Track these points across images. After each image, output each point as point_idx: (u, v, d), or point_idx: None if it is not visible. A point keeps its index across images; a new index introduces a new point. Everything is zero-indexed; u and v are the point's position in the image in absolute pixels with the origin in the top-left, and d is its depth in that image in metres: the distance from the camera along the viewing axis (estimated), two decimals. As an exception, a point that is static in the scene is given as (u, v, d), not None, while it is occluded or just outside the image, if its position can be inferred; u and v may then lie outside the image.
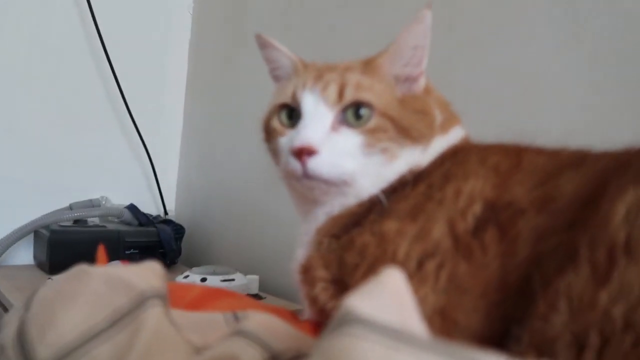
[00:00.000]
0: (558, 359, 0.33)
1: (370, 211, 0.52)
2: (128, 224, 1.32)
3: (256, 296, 1.11)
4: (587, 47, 0.73)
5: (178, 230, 1.34)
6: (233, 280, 1.11)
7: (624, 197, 0.35)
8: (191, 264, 1.30)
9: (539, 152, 0.49)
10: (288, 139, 0.54)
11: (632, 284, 0.32)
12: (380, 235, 0.48)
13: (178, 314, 0.42)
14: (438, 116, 0.56)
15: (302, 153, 0.50)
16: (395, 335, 0.26)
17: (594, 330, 0.32)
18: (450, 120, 0.58)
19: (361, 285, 0.32)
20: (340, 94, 0.52)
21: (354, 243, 0.50)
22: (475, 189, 0.46)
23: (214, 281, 1.09)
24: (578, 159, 0.45)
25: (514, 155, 0.48)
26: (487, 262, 0.41)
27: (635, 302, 0.31)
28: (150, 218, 1.35)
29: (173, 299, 0.48)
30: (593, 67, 0.73)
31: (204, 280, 1.08)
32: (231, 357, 0.34)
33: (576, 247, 0.36)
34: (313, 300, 0.52)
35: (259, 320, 0.39)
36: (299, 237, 0.59)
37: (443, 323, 0.41)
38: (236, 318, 0.44)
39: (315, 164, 0.51)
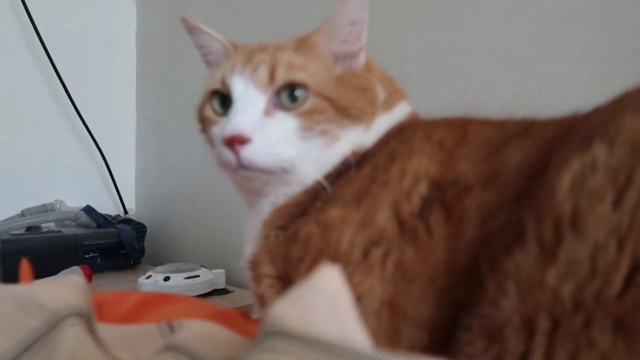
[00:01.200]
0: (508, 346, 0.31)
1: (316, 198, 0.49)
2: (86, 226, 1.26)
3: (223, 290, 1.08)
4: (534, 11, 0.71)
5: (139, 229, 1.28)
6: (198, 276, 1.07)
7: (569, 166, 0.33)
8: (156, 263, 1.25)
9: (485, 123, 0.46)
10: (220, 128, 0.50)
11: (580, 260, 0.30)
12: (324, 225, 0.45)
13: (108, 329, 0.38)
14: (381, 93, 0.53)
15: (234, 142, 0.47)
16: (322, 348, 0.23)
17: (544, 312, 0.30)
18: (395, 96, 0.55)
19: (294, 286, 0.28)
20: (272, 76, 0.49)
21: (298, 235, 0.47)
22: (420, 168, 0.43)
23: (177, 279, 1.05)
24: (524, 128, 0.43)
25: (460, 129, 0.45)
26: (434, 245, 0.39)
27: (584, 280, 0.29)
28: (109, 219, 1.29)
29: (106, 311, 0.44)
30: (541, 31, 0.71)
31: (167, 279, 1.04)
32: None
33: (523, 224, 0.33)
34: (260, 298, 0.49)
35: (195, 330, 0.36)
36: (246, 232, 0.56)
37: (392, 315, 0.39)
38: (171, 328, 0.40)
39: (249, 153, 0.47)
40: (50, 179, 1.30)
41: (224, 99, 0.52)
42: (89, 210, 1.28)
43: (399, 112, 0.54)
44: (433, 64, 0.83)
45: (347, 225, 0.43)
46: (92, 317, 0.37)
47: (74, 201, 1.32)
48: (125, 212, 1.40)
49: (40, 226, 1.19)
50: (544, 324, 0.30)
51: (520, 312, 0.31)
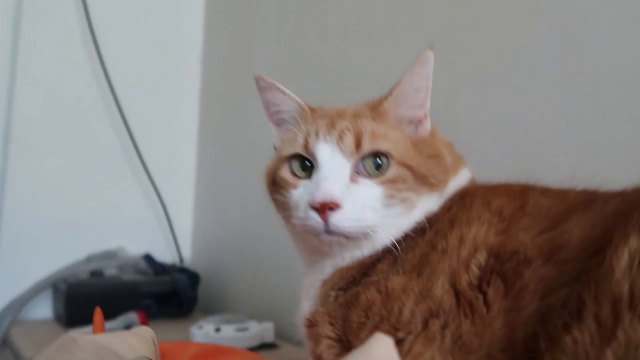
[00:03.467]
0: None
1: (379, 261, 0.51)
2: (144, 273, 1.32)
3: (272, 345, 1.08)
4: (589, 75, 0.71)
5: (193, 278, 1.33)
6: (247, 329, 1.08)
7: (628, 243, 0.33)
8: (207, 312, 1.28)
9: (545, 193, 0.47)
10: (303, 192, 0.52)
11: (638, 343, 0.30)
12: (387, 293, 0.46)
13: None
14: (448, 159, 0.55)
15: (325, 208, 0.48)
16: None
17: None
18: (458, 162, 0.57)
19: (351, 353, 0.30)
20: (358, 144, 0.51)
21: (360, 300, 0.48)
22: (479, 236, 0.44)
23: (228, 331, 1.07)
24: (587, 201, 0.43)
25: (519, 198, 0.46)
26: (492, 319, 0.39)
27: None
28: (166, 267, 1.35)
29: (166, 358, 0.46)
30: (596, 95, 0.70)
31: (218, 330, 1.06)
32: None
33: (583, 301, 0.33)
34: (318, 358, 0.50)
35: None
36: (304, 289, 0.58)
37: None
38: None
39: (339, 219, 0.48)
40: (114, 226, 1.38)
41: (304, 164, 0.53)
42: (148, 258, 1.35)
43: (462, 178, 0.55)
44: (483, 127, 0.83)
45: (409, 295, 0.44)
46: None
47: (135, 248, 1.39)
48: (182, 261, 1.45)
49: (103, 272, 1.26)
50: None
51: None
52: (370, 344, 0.30)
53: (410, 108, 0.54)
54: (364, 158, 0.51)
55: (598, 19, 0.70)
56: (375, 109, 0.54)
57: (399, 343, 0.42)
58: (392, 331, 0.43)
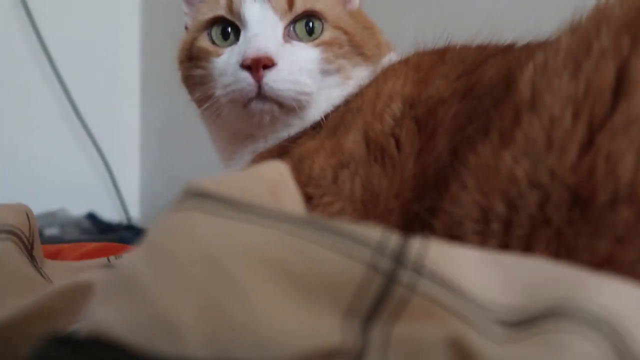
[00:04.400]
0: (465, 240, 0.29)
1: (300, 137, 0.47)
2: (88, 232, 1.25)
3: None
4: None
5: (141, 234, 1.27)
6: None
7: (534, 59, 0.32)
8: (159, 269, 1.23)
9: (466, 47, 0.45)
10: (229, 56, 0.46)
11: (536, 138, 0.28)
12: (298, 158, 0.43)
13: (50, 264, 0.36)
14: (380, 36, 0.53)
15: (259, 64, 0.43)
16: (240, 206, 0.20)
17: (498, 197, 0.29)
18: (386, 45, 0.54)
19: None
20: (290, 2, 0.46)
21: None
22: (394, 88, 0.42)
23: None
24: (505, 48, 0.42)
25: (439, 52, 0.44)
26: (403, 160, 0.38)
27: (540, 156, 0.28)
28: (112, 225, 1.28)
29: (63, 255, 0.42)
30: None
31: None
32: (84, 286, 0.27)
33: (491, 120, 0.32)
34: None
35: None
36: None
37: None
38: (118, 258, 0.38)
39: (274, 79, 0.43)
40: (54, 186, 1.30)
41: (225, 30, 0.48)
42: (91, 216, 1.28)
43: (390, 59, 0.53)
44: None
45: (319, 154, 0.42)
46: (34, 243, 0.35)
47: (78, 209, 1.31)
48: (129, 219, 1.39)
49: (42, 232, 1.19)
50: (499, 209, 0.28)
51: (477, 202, 0.30)
52: (262, 165, 0.26)
53: None
54: (295, 20, 0.47)
55: None
56: None
57: (309, 199, 0.40)
58: (302, 188, 0.40)
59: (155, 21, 1.46)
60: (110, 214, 1.36)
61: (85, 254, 0.45)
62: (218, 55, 0.48)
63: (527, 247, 0.28)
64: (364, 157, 0.39)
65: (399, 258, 0.19)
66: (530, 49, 0.38)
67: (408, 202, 0.37)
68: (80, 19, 1.36)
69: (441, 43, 0.46)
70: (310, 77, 0.45)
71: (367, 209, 0.38)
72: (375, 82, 0.45)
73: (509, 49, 0.42)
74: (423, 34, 0.47)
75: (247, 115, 0.46)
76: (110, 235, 1.24)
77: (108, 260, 0.40)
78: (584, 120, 0.27)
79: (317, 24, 0.47)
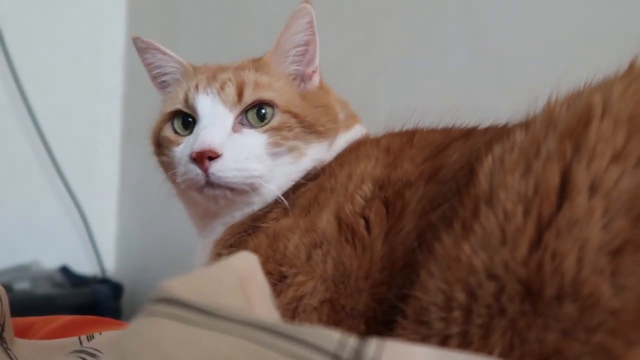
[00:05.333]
0: (432, 326, 0.31)
1: (270, 211, 0.50)
2: (60, 286, 1.23)
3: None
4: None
5: (116, 289, 1.26)
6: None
7: (492, 151, 0.35)
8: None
9: (432, 130, 0.49)
10: (184, 147, 0.50)
11: (492, 232, 0.31)
12: (273, 235, 0.45)
13: (22, 343, 0.36)
14: (340, 112, 0.55)
15: (204, 157, 0.46)
16: (207, 313, 0.22)
17: (460, 285, 0.31)
18: (352, 118, 0.58)
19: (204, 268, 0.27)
20: (240, 94, 0.50)
21: (247, 245, 0.47)
22: (366, 170, 0.44)
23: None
24: (468, 132, 0.45)
25: (407, 135, 0.48)
26: (372, 240, 0.40)
27: (495, 248, 0.30)
28: (85, 278, 1.27)
29: (33, 331, 0.42)
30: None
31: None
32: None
33: (455, 210, 0.34)
34: None
35: (107, 336, 0.34)
36: (197, 255, 0.55)
37: (331, 310, 0.39)
38: (90, 338, 0.38)
39: (219, 169, 0.47)
40: (27, 237, 1.29)
41: (185, 120, 0.52)
42: (64, 270, 1.26)
43: (356, 132, 0.56)
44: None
45: (294, 232, 0.44)
46: (5, 325, 0.35)
47: (51, 261, 1.29)
48: (103, 271, 1.37)
49: (11, 286, 1.16)
50: (460, 298, 0.30)
51: (442, 290, 0.31)
52: (232, 258, 0.27)
53: (293, 63, 0.54)
54: (247, 109, 0.50)
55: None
56: (258, 62, 0.54)
57: (283, 278, 0.42)
58: (277, 267, 0.43)
59: (138, 73, 1.49)
60: (84, 266, 1.34)
61: (56, 330, 0.45)
62: (178, 144, 0.52)
63: (485, 335, 0.29)
64: (336, 237, 0.41)
65: (355, 363, 0.21)
66: (489, 136, 0.42)
67: (377, 283, 0.38)
68: (62, 69, 1.37)
69: (413, 123, 0.50)
70: (258, 162, 0.48)
71: (338, 289, 0.39)
72: (348, 163, 0.47)
73: (471, 133, 0.45)
74: (395, 114, 0.51)
75: (204, 199, 0.50)
76: (83, 289, 1.22)
77: (79, 340, 0.40)
78: (533, 218, 0.29)
79: (268, 110, 0.50)
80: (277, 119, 0.50)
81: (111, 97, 1.47)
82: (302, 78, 0.55)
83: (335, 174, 0.46)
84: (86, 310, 1.17)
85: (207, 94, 0.50)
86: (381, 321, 0.37)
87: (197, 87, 0.51)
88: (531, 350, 0.28)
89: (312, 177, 0.50)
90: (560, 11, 0.75)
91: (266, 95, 0.50)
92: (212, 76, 0.52)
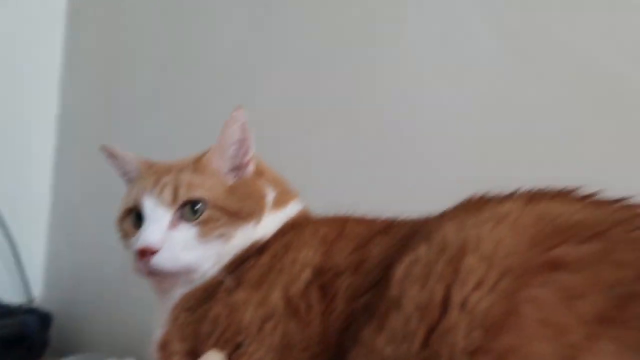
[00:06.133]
0: None
1: (222, 283, 0.59)
2: (-16, 317, 1.20)
3: (133, 381, 1.06)
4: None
5: (44, 318, 1.25)
6: (106, 367, 1.05)
7: (403, 261, 0.46)
8: (62, 354, 1.21)
9: (359, 221, 0.60)
10: (134, 240, 0.61)
11: (397, 329, 0.42)
12: (231, 306, 0.55)
13: None
14: (270, 193, 0.66)
15: (146, 253, 0.58)
16: None
17: None
18: (285, 195, 0.68)
19: None
20: (175, 195, 0.61)
21: (208, 315, 0.56)
22: (307, 258, 0.55)
23: (83, 371, 1.03)
24: (386, 226, 0.57)
25: (340, 226, 0.59)
26: (311, 318, 0.50)
27: (399, 343, 0.41)
28: (12, 308, 1.24)
29: None
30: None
31: (71, 372, 1.02)
32: None
33: (376, 304, 0.43)
34: None
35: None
36: (156, 318, 0.62)
37: None
38: None
39: (156, 262, 0.58)
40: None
41: (139, 215, 0.63)
42: (-11, 299, 1.23)
43: (291, 209, 0.67)
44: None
45: (249, 306, 0.54)
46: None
47: (-26, 290, 1.26)
48: (31, 300, 1.35)
49: None
50: None
51: None
52: (202, 358, 0.35)
53: (230, 158, 0.66)
54: (183, 205, 0.61)
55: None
56: (198, 162, 0.66)
57: (239, 347, 0.52)
58: (234, 336, 0.53)
59: (74, 94, 1.49)
60: (10, 294, 1.31)
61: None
62: (131, 237, 0.62)
63: None
64: (284, 312, 0.51)
65: None
66: (404, 232, 0.53)
67: (316, 354, 0.49)
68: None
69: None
70: (190, 251, 0.59)
71: (283, 357, 0.49)
72: (292, 248, 0.57)
73: (390, 227, 0.56)
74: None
75: (152, 281, 0.63)
76: (9, 320, 1.20)
77: None
78: (424, 324, 0.40)
79: (200, 206, 0.60)
80: (207, 213, 0.60)
81: (45, 121, 1.46)
82: (239, 167, 0.66)
83: (282, 258, 0.57)
84: (13, 343, 1.17)
85: (151, 196, 0.61)
86: None
87: (144, 189, 0.62)
88: None
89: (255, 251, 0.61)
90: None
91: (197, 194, 0.61)
92: (157, 179, 0.63)
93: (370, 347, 0.42)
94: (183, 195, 0.60)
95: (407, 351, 0.40)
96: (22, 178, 1.41)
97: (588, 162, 0.83)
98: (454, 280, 0.40)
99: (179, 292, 0.62)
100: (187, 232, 0.60)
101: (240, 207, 0.62)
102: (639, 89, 0.81)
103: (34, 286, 1.38)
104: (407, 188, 0.91)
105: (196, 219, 0.59)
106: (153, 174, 0.64)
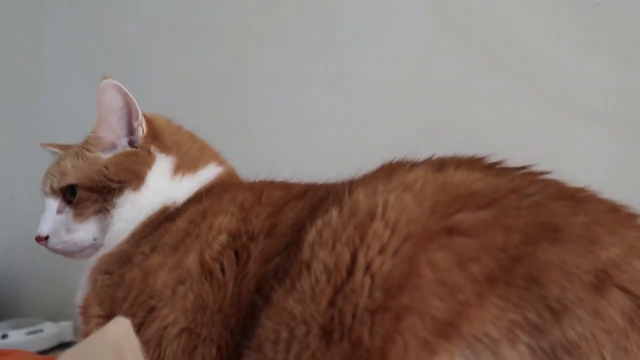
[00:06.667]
0: (267, 356, 0.44)
1: (137, 245, 0.60)
2: None
3: (71, 344, 1.07)
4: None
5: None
6: (41, 331, 1.06)
7: (315, 224, 0.48)
8: (-1, 319, 1.20)
9: (278, 187, 0.61)
10: None
11: (307, 290, 0.44)
12: (146, 270, 0.56)
13: None
14: (163, 159, 0.67)
15: (40, 240, 0.66)
16: None
17: (284, 327, 0.44)
18: (196, 160, 0.68)
19: (87, 337, 0.37)
20: (52, 186, 0.66)
21: (124, 279, 0.57)
22: (223, 223, 0.56)
23: (17, 336, 1.04)
24: (303, 191, 0.58)
25: (258, 192, 0.60)
26: (225, 281, 0.52)
27: (307, 302, 0.44)
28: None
29: None
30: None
31: (4, 337, 1.02)
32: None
33: (286, 267, 0.46)
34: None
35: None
36: (80, 280, 0.63)
37: (189, 337, 0.51)
38: None
39: (50, 245, 0.66)
40: None
41: None
42: None
43: (206, 174, 0.68)
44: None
45: (163, 270, 0.55)
46: None
47: None
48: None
49: None
50: (284, 336, 0.44)
51: (274, 329, 0.44)
52: (107, 325, 0.38)
53: (116, 128, 0.67)
54: (64, 191, 0.66)
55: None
56: (85, 142, 0.68)
57: (152, 310, 0.53)
58: (148, 299, 0.54)
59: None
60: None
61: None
62: None
63: None
64: (198, 275, 0.52)
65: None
66: (318, 197, 0.55)
67: (228, 315, 0.50)
68: None
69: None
70: (73, 232, 0.64)
71: (195, 319, 0.51)
72: (210, 214, 0.58)
73: (306, 192, 0.58)
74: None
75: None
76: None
77: None
78: (331, 285, 0.43)
79: (75, 189, 0.65)
80: (77, 196, 0.64)
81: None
82: (128, 134, 0.68)
83: (198, 224, 0.58)
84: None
85: (43, 188, 0.68)
86: (232, 350, 0.49)
87: (44, 180, 0.68)
88: None
89: (167, 216, 0.62)
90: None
91: (68, 180, 0.65)
92: (48, 171, 0.68)
93: (281, 307, 0.44)
94: (57, 184, 0.66)
95: (315, 310, 0.42)
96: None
97: (508, 129, 0.89)
98: (360, 245, 0.43)
99: (95, 256, 0.63)
100: (66, 215, 0.65)
101: (111, 180, 0.64)
102: (553, 61, 0.88)
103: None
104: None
105: (72, 202, 0.64)
106: (53, 164, 0.69)
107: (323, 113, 1.02)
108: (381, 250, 0.42)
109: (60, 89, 1.31)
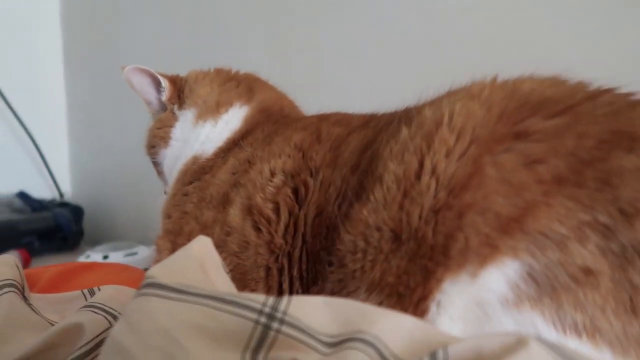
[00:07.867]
0: (347, 268, 0.47)
1: (185, 193, 0.68)
2: (21, 211, 1.34)
3: (161, 265, 1.19)
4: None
5: (76, 211, 1.37)
6: (136, 253, 1.18)
7: (389, 143, 0.49)
8: (96, 244, 1.35)
9: (337, 122, 0.61)
10: None
11: (379, 200, 0.46)
12: (203, 224, 0.61)
13: (37, 297, 0.50)
14: (184, 113, 0.74)
15: None
16: (179, 291, 0.36)
17: (360, 237, 0.46)
18: (219, 104, 0.72)
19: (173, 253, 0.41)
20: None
21: (183, 230, 0.63)
22: (277, 166, 0.58)
23: (116, 257, 1.16)
24: (364, 122, 0.59)
25: (315, 132, 0.60)
26: (277, 222, 0.55)
27: (380, 211, 0.46)
28: (44, 203, 1.37)
29: (30, 284, 0.55)
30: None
31: (105, 257, 1.15)
32: (76, 325, 0.43)
33: (362, 184, 0.49)
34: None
35: (109, 293, 0.48)
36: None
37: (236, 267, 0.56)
38: (92, 293, 0.53)
39: None
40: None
41: None
42: (22, 195, 1.36)
43: (231, 117, 0.71)
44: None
45: (215, 226, 0.59)
46: (25, 287, 0.48)
47: (8, 187, 1.38)
48: (61, 195, 1.47)
49: (-27, 214, 1.26)
50: (361, 244, 0.46)
51: (352, 241, 0.47)
52: (190, 243, 0.41)
53: (152, 100, 0.79)
54: None
55: None
56: None
57: None
58: None
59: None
60: (41, 191, 1.44)
61: (54, 278, 0.59)
62: None
63: (373, 266, 0.45)
64: (241, 226, 0.56)
65: (271, 314, 0.37)
66: (383, 124, 0.55)
67: (278, 246, 0.54)
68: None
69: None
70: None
71: (240, 258, 0.56)
72: (260, 160, 0.60)
73: (368, 122, 0.58)
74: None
75: None
76: (44, 214, 1.33)
77: (83, 294, 0.54)
78: (401, 191, 0.44)
79: None
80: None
81: (50, 19, 1.47)
82: (156, 97, 0.78)
83: (244, 172, 0.61)
84: (50, 234, 1.31)
85: None
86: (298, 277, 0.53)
87: None
88: (393, 271, 0.44)
89: (203, 167, 0.68)
90: None
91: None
92: None
93: (357, 219, 0.46)
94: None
95: (387, 216, 0.44)
96: (35, 81, 1.46)
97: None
98: (427, 152, 0.44)
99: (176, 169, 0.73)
100: None
101: (148, 146, 0.80)
102: None
103: (62, 183, 1.49)
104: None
105: None
106: None
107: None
108: (447, 154, 0.43)
109: (135, 24, 1.35)
